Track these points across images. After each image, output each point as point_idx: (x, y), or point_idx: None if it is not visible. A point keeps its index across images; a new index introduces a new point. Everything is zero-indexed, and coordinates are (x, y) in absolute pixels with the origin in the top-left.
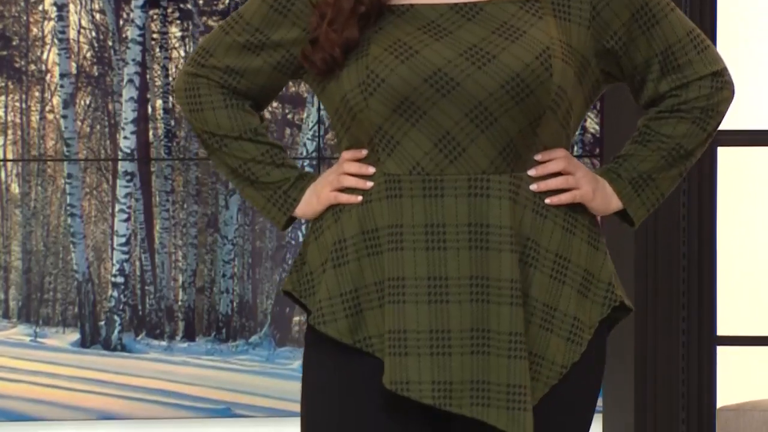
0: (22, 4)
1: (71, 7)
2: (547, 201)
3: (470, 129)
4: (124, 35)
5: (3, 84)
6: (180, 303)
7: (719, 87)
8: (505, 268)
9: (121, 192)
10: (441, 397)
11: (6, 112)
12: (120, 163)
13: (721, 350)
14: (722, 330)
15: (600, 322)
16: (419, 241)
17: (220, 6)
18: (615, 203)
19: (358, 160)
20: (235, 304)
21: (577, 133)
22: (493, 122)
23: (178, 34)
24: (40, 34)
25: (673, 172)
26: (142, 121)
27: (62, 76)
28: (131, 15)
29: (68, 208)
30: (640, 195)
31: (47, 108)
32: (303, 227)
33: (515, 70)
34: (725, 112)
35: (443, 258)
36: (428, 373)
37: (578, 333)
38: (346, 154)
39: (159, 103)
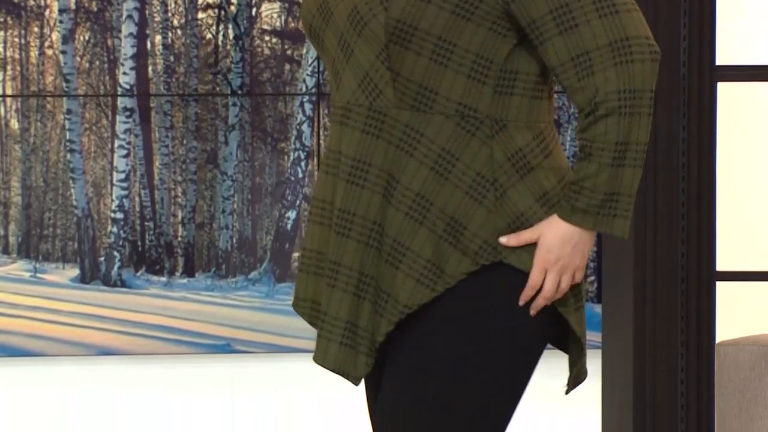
0: None
1: None
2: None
3: (341, 59)
4: None
5: (2, 20)
6: (179, 239)
7: (625, 60)
8: (339, 196)
9: (120, 128)
10: (314, 317)
11: (5, 48)
12: (119, 99)
13: (720, 286)
14: (721, 266)
15: (474, 276)
16: (324, 164)
17: None
18: (592, 235)
19: None
20: (234, 240)
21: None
22: (350, 54)
23: None
24: None
25: (628, 171)
26: (141, 56)
27: (61, 11)
28: None
29: (68, 144)
30: (613, 214)
31: (46, 44)
32: (302, 163)
33: (354, 1)
34: (650, 81)
35: (332, 183)
36: (310, 291)
37: (431, 277)
38: None
39: (158, 38)
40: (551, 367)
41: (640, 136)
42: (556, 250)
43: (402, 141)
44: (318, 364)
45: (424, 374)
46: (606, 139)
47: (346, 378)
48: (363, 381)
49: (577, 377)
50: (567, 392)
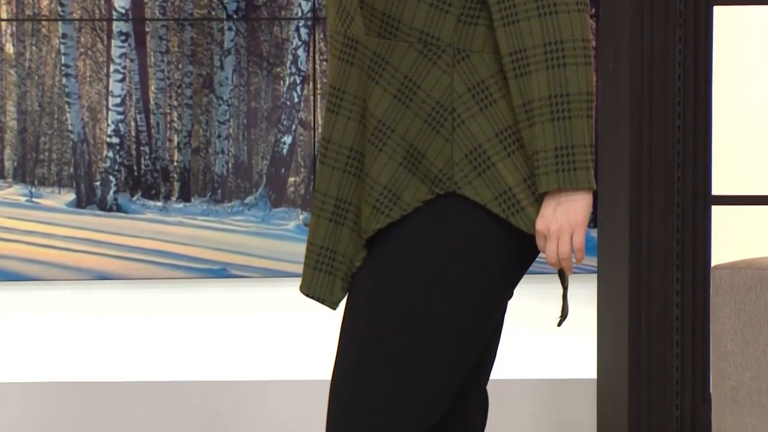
0: None
1: None
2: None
3: None
4: None
5: None
6: (175, 163)
7: (557, 64)
8: (329, 127)
9: (116, 52)
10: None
11: None
12: (114, 24)
13: (715, 210)
14: (717, 190)
15: (430, 205)
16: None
17: None
18: (571, 195)
19: None
20: (230, 164)
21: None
22: None
23: None
24: None
25: (576, 122)
26: None
27: None
28: None
29: (63, 68)
30: (573, 168)
31: None
32: (298, 88)
33: None
34: (585, 84)
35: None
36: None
37: (386, 203)
38: None
39: None
40: (545, 292)
41: (580, 86)
42: (544, 219)
43: (370, 68)
44: (301, 292)
45: (376, 300)
46: (540, 96)
47: (323, 303)
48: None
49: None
50: (558, 324)
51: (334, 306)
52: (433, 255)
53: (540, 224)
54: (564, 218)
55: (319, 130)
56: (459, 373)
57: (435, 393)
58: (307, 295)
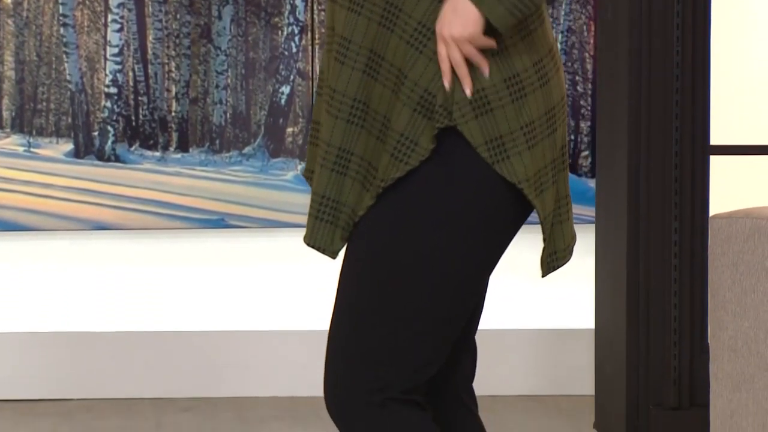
0: None
1: None
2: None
3: None
4: None
5: None
6: (173, 114)
7: None
8: (334, 76)
9: (113, 2)
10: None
11: None
12: None
13: (714, 160)
14: (715, 139)
15: (437, 152)
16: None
17: None
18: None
19: None
20: (228, 115)
21: None
22: None
23: None
24: None
25: None
26: None
27: None
28: None
29: (61, 18)
30: None
31: None
32: (296, 38)
33: None
34: None
35: (326, 60)
36: (313, 163)
37: (404, 151)
38: None
39: None
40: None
41: None
42: (442, 20)
43: (383, 17)
44: (304, 243)
45: (381, 249)
46: None
47: (324, 253)
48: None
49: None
50: (543, 275)
51: (333, 255)
52: (439, 204)
53: (439, 25)
54: (456, 23)
55: (317, 81)
56: (460, 322)
57: (437, 342)
58: (309, 245)
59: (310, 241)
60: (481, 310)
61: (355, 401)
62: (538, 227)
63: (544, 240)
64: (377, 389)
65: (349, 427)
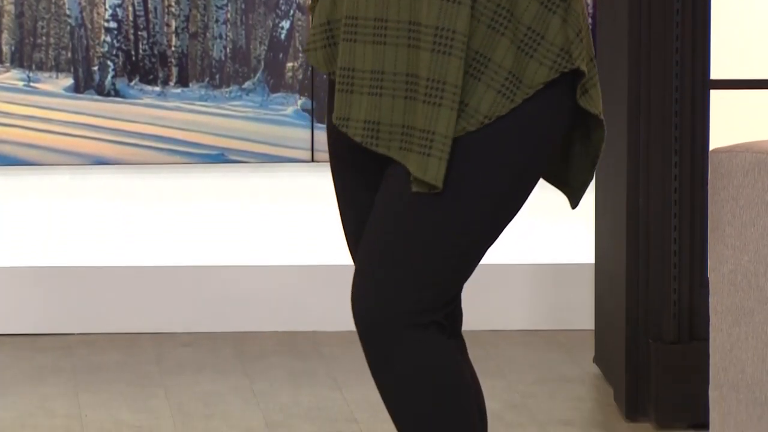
0: None
1: None
2: None
3: None
4: None
5: None
6: (173, 49)
7: None
8: (433, 14)
9: None
10: (369, 137)
11: None
12: None
13: (714, 94)
14: (716, 74)
15: (548, 86)
16: None
17: None
18: None
19: None
20: (228, 49)
21: None
22: None
23: None
24: None
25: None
26: None
27: None
28: None
29: None
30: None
31: None
32: None
33: None
34: None
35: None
36: (363, 111)
37: (511, 88)
38: None
39: None
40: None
41: None
42: None
43: None
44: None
45: (448, 180)
46: None
47: (435, 183)
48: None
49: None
50: (573, 207)
51: (439, 184)
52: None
53: None
54: None
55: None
56: (485, 251)
57: (469, 269)
58: (425, 180)
59: (426, 175)
60: None
61: (399, 322)
62: None
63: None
64: (423, 310)
65: (386, 350)
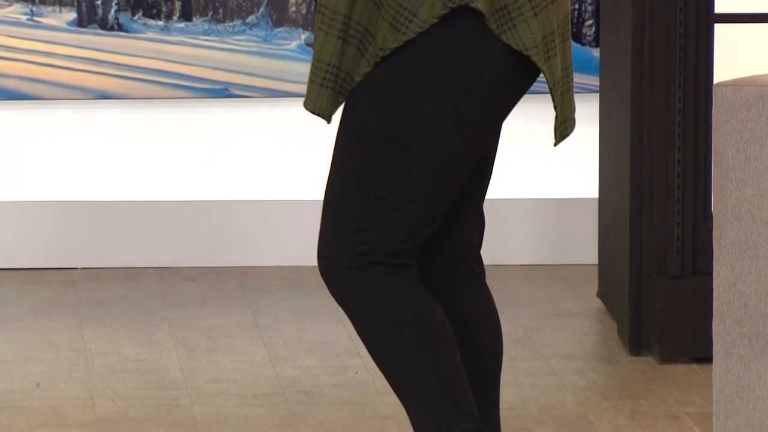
0: None
1: None
2: None
3: None
4: None
5: None
6: None
7: None
8: None
9: None
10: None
11: None
12: None
13: (718, 27)
14: (720, 7)
15: (452, 21)
16: None
17: None
18: None
19: None
20: None
21: None
22: None
23: None
24: None
25: None
26: None
27: None
28: None
29: None
30: None
31: None
32: None
33: None
34: None
35: None
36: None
37: (403, 21)
38: None
39: None
40: (547, 112)
41: None
42: None
43: None
44: (306, 109)
45: (375, 115)
46: None
47: (321, 117)
48: None
49: (562, 130)
50: (555, 144)
51: (329, 119)
52: (435, 77)
53: None
54: None
55: None
56: (449, 192)
57: (424, 212)
58: (309, 110)
59: (311, 106)
60: (488, 180)
61: (340, 264)
62: (542, 97)
63: (555, 108)
64: (361, 253)
65: (336, 289)
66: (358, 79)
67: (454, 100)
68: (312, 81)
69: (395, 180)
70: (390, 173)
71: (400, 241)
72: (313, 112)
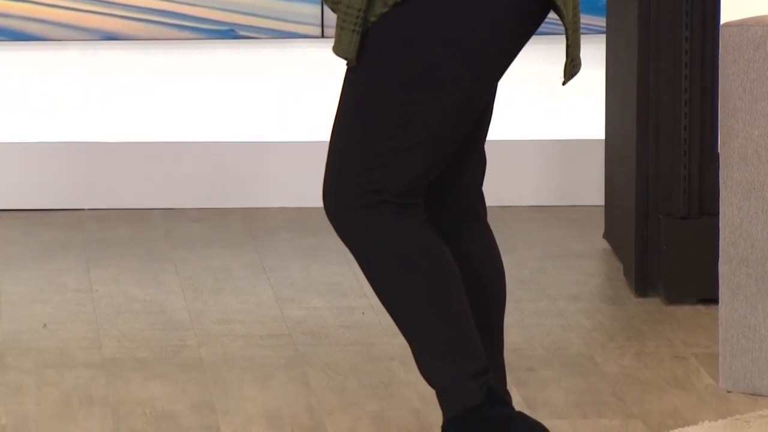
0: None
1: None
2: None
3: None
4: None
5: None
6: None
7: None
8: None
9: None
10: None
11: None
12: None
13: None
14: None
15: None
16: None
17: None
18: None
19: None
20: None
21: None
22: None
23: None
24: None
25: None
26: None
27: None
28: None
29: None
30: None
31: None
32: None
33: None
34: None
35: None
36: None
37: None
38: None
39: None
40: (553, 53)
41: None
42: None
43: None
44: (336, 54)
45: (383, 59)
46: None
47: (350, 63)
48: None
49: (571, 69)
50: (564, 83)
51: (353, 62)
52: (458, 12)
53: None
54: None
55: None
56: (461, 131)
57: (437, 149)
58: (344, 58)
59: (345, 53)
60: (489, 119)
61: (350, 203)
62: (549, 38)
63: (568, 47)
64: (371, 191)
65: (344, 229)
66: (372, 19)
67: (478, 37)
68: (342, 28)
69: (411, 119)
70: (405, 113)
71: (411, 180)
72: (346, 59)
